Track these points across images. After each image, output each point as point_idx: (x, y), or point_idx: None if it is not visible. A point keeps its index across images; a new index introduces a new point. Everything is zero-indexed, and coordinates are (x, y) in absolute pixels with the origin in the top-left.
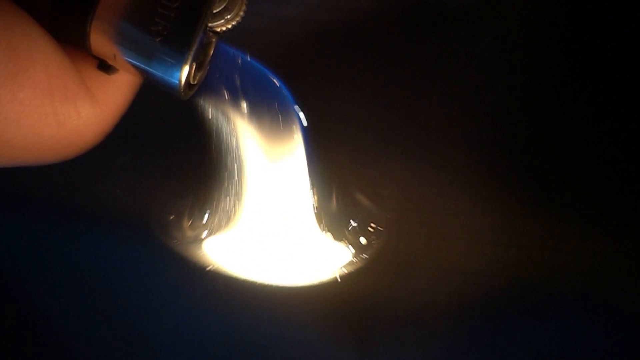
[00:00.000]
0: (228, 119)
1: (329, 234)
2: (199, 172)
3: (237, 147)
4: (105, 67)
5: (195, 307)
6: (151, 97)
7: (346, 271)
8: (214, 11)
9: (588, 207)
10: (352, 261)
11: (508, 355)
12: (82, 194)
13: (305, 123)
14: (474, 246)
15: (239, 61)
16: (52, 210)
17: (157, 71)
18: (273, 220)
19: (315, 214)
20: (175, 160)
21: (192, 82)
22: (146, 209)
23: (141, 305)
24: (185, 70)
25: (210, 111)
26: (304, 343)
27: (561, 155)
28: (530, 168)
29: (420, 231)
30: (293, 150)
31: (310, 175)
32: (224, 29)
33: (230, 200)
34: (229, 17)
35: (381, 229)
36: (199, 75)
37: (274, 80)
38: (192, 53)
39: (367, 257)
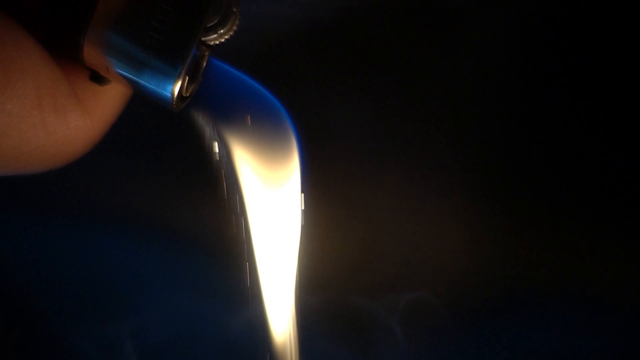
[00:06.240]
0: (221, 136)
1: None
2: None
3: (230, 163)
4: (97, 78)
5: (197, 306)
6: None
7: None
8: (208, 25)
9: (588, 207)
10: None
11: (508, 355)
12: (82, 194)
13: (301, 145)
14: (474, 246)
15: (233, 78)
16: (52, 210)
17: (150, 84)
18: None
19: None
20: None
21: (184, 95)
22: (146, 210)
23: (141, 304)
24: (178, 83)
25: (203, 124)
26: (303, 343)
27: (561, 156)
28: (530, 168)
29: (420, 231)
30: (289, 176)
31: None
32: (217, 42)
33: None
34: (222, 31)
35: None
36: (191, 87)
37: (271, 99)
38: (185, 67)
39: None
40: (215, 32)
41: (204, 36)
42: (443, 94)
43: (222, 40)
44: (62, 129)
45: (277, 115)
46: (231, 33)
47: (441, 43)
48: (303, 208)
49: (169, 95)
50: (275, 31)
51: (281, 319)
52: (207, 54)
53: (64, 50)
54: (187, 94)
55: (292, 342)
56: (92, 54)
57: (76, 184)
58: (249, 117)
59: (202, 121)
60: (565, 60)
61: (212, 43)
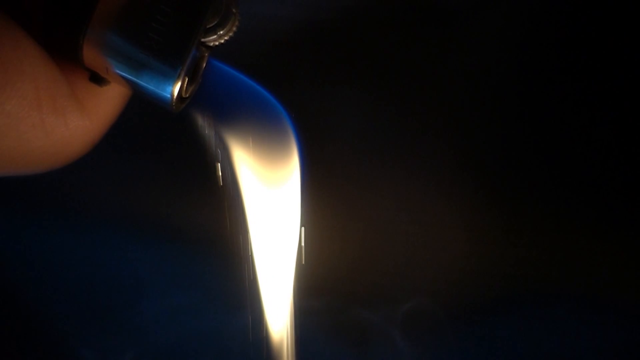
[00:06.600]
0: (220, 137)
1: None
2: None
3: (230, 163)
4: (97, 79)
5: (196, 306)
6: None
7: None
8: (207, 26)
9: (588, 207)
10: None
11: (508, 355)
12: (82, 194)
13: (301, 144)
14: (473, 246)
15: (232, 78)
16: (52, 210)
17: (149, 85)
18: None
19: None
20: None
21: (183, 96)
22: (146, 209)
23: (141, 304)
24: (177, 84)
25: (202, 125)
26: (301, 344)
27: (561, 156)
28: (529, 168)
29: (419, 231)
30: (289, 176)
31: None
32: (216, 43)
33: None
34: (221, 32)
35: None
36: (190, 88)
37: (270, 100)
38: (184, 68)
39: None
40: (215, 34)
41: (204, 37)
42: (443, 94)
43: (222, 41)
44: (61, 129)
45: (277, 115)
46: (231, 34)
47: (441, 43)
48: (302, 208)
49: (169, 96)
50: (275, 31)
51: (279, 319)
52: (206, 55)
53: (63, 51)
54: (187, 95)
55: (290, 343)
56: (91, 55)
57: (76, 185)
58: (251, 139)
59: (202, 122)
60: (565, 60)
61: (211, 44)
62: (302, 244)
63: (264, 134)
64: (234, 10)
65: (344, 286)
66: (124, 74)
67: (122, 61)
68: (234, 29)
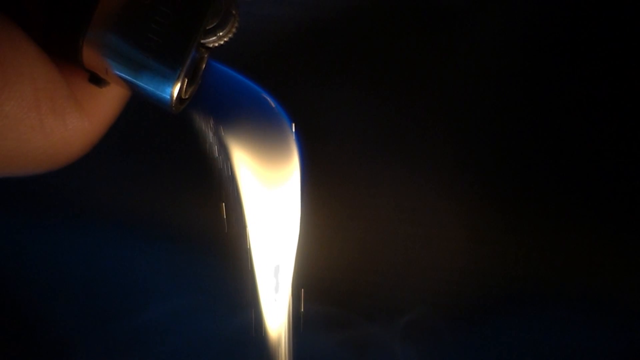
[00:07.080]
0: (220, 137)
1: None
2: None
3: (230, 164)
4: (96, 80)
5: (196, 306)
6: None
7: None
8: (207, 28)
9: (588, 207)
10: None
11: (508, 355)
12: (82, 195)
13: (301, 146)
14: (474, 246)
15: (231, 79)
16: (53, 210)
17: (149, 86)
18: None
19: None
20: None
21: (183, 97)
22: (145, 209)
23: (140, 305)
24: (177, 86)
25: (202, 126)
26: (299, 345)
27: (561, 156)
28: (529, 168)
29: (419, 231)
30: (288, 177)
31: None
32: (216, 45)
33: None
34: (221, 33)
35: None
36: (190, 89)
37: (269, 101)
38: (184, 69)
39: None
40: (215, 35)
41: (203, 39)
42: (443, 93)
43: (221, 42)
44: (60, 130)
45: (276, 116)
46: (230, 35)
47: (440, 43)
48: (302, 208)
49: (168, 97)
50: (275, 32)
51: (278, 320)
52: (206, 56)
53: (63, 52)
54: (186, 96)
55: (288, 343)
56: (91, 56)
57: (75, 185)
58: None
59: (202, 123)
60: (565, 60)
61: (211, 45)
62: (301, 244)
63: (264, 135)
64: (233, 11)
65: (343, 286)
66: (123, 75)
67: (122, 62)
68: (234, 30)
